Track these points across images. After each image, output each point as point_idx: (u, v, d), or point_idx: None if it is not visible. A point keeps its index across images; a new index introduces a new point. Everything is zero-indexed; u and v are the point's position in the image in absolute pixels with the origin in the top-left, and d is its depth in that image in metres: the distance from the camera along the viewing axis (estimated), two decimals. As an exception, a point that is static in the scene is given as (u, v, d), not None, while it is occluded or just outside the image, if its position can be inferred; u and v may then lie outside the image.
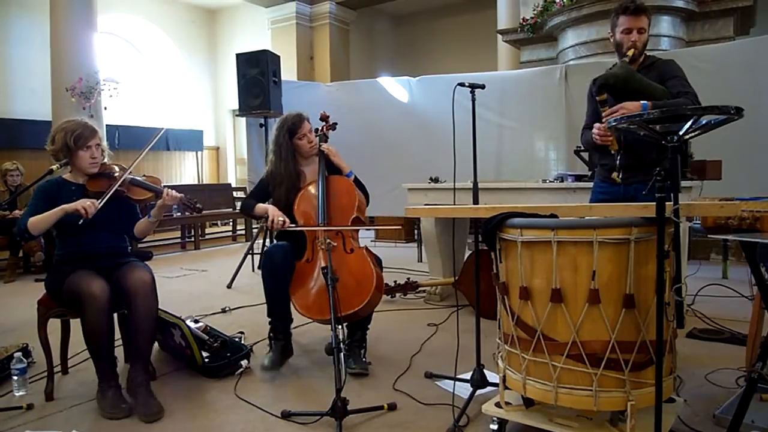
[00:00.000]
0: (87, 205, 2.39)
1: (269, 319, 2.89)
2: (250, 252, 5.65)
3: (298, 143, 2.99)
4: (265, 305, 2.89)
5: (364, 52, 12.30)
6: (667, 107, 2.21)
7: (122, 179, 2.61)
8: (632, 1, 2.53)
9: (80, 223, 2.40)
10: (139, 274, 2.48)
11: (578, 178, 3.79)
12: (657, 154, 2.46)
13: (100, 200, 2.45)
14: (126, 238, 2.79)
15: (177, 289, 5.08)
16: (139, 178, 2.72)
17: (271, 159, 3.05)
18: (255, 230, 6.87)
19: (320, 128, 3.10)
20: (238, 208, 3.09)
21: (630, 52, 2.51)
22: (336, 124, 3.17)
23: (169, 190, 2.66)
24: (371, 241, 7.86)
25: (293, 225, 2.84)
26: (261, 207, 2.96)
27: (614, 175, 2.57)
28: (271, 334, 2.91)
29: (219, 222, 10.30)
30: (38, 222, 2.44)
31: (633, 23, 2.52)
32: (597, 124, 2.51)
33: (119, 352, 2.62)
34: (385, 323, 3.67)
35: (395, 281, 4.36)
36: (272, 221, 2.81)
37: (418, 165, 5.40)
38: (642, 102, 2.33)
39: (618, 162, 2.56)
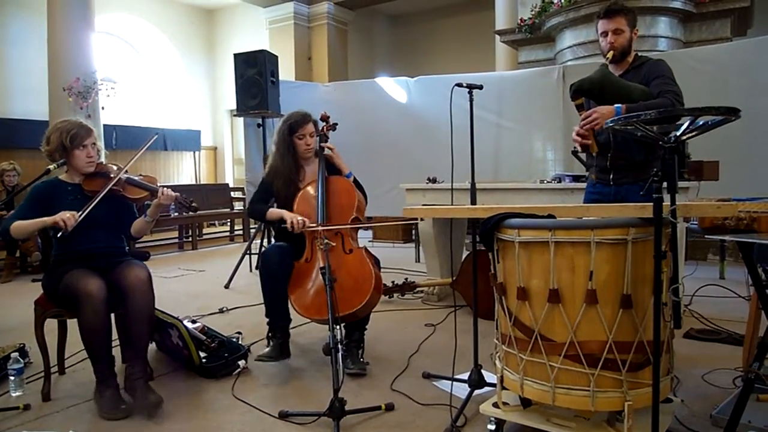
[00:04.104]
0: (66, 217, 2.36)
1: (267, 320, 2.89)
2: (248, 252, 5.65)
3: (296, 142, 3.00)
4: (263, 305, 2.89)
5: (362, 52, 12.30)
6: (645, 108, 2.23)
7: (117, 178, 2.61)
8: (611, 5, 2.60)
9: (59, 235, 2.40)
10: (135, 272, 2.48)
11: (576, 178, 3.80)
12: (646, 155, 2.48)
13: (81, 212, 2.43)
14: (123, 238, 2.79)
15: (174, 290, 5.07)
16: (135, 177, 2.71)
17: (272, 151, 3.08)
18: (252, 230, 6.86)
19: (321, 128, 3.10)
20: (248, 214, 3.08)
21: (609, 55, 2.58)
22: (336, 124, 3.17)
23: (165, 189, 2.66)
24: (369, 241, 7.86)
25: (313, 225, 2.81)
26: (275, 212, 2.94)
27: (593, 177, 2.65)
28: (269, 333, 2.91)
29: (216, 222, 10.30)
30: (21, 228, 2.46)
31: (607, 26, 2.57)
32: (575, 128, 2.55)
33: (116, 353, 2.61)
34: (382, 323, 3.67)
35: (393, 281, 4.36)
36: (292, 224, 2.79)
37: (416, 165, 5.40)
38: (616, 106, 2.37)
39: (604, 164, 2.61)
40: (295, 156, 3.03)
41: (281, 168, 2.99)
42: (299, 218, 2.80)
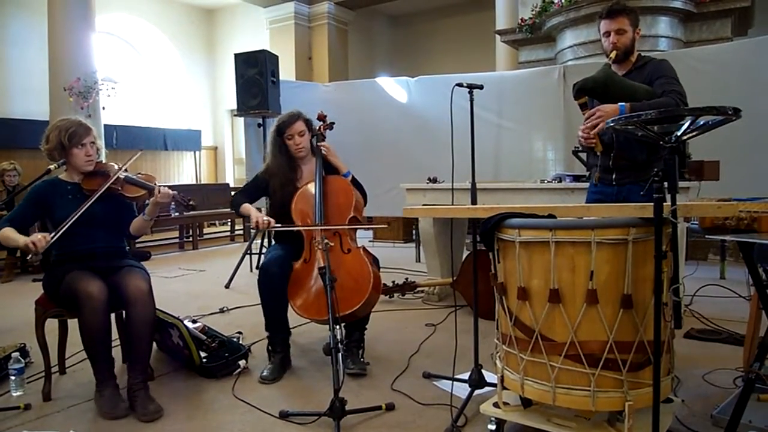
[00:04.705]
0: (37, 239, 2.33)
1: (267, 333, 2.88)
2: (248, 252, 5.66)
3: (287, 142, 3.00)
4: (263, 311, 2.87)
5: (363, 52, 12.30)
6: (649, 107, 2.22)
7: (115, 177, 2.61)
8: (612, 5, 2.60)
9: (28, 257, 2.40)
10: (135, 283, 2.46)
11: (576, 178, 3.80)
12: (648, 155, 2.48)
13: (54, 233, 2.40)
14: (123, 237, 2.79)
15: (175, 289, 5.08)
16: (133, 176, 2.71)
17: (267, 152, 3.09)
18: (253, 230, 6.85)
19: (318, 128, 3.10)
20: (230, 203, 3.07)
21: (612, 54, 2.57)
22: (333, 123, 3.17)
23: (162, 187, 2.65)
24: (369, 241, 7.86)
25: (279, 225, 2.82)
26: (245, 208, 2.95)
27: (595, 176, 2.64)
28: (270, 347, 2.89)
29: (217, 222, 10.30)
30: (4, 238, 2.46)
31: (609, 26, 2.57)
32: (581, 126, 2.55)
33: (116, 352, 2.61)
34: (383, 323, 3.67)
35: (393, 281, 4.36)
36: (257, 223, 2.80)
37: (417, 165, 5.40)
38: (620, 104, 2.37)
39: (607, 163, 2.59)
40: (289, 156, 3.03)
41: (276, 169, 3.00)
42: (264, 218, 2.79)
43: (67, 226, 2.43)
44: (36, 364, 2.92)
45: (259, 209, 3.16)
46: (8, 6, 8.61)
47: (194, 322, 3.21)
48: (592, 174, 2.81)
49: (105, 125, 7.63)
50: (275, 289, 2.76)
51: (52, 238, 2.39)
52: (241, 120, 7.60)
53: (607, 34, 2.58)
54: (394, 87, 6.28)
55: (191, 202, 2.74)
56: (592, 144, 2.52)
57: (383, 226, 2.69)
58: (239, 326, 3.61)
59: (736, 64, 4.67)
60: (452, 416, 2.21)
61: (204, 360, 2.79)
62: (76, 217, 2.46)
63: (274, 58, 5.56)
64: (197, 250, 8.00)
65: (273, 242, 3.17)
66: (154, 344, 3.09)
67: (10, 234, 2.46)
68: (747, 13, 7.03)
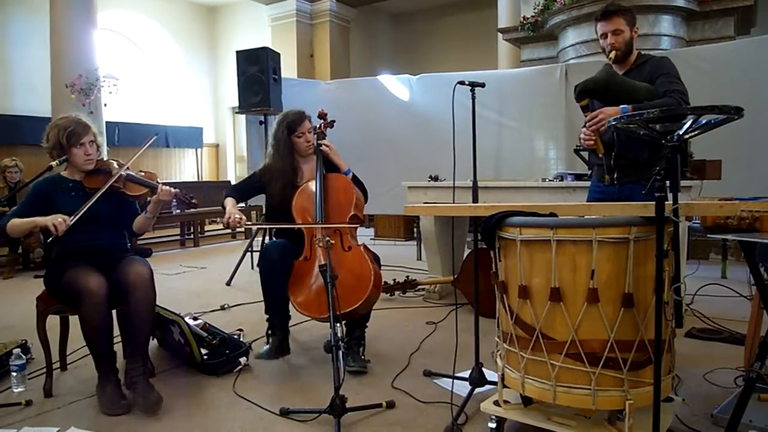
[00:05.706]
0: (58, 222, 2.36)
1: (267, 317, 2.89)
2: (250, 249, 5.65)
3: (296, 141, 3.00)
4: (263, 303, 2.88)
5: (365, 50, 12.29)
6: (652, 108, 2.22)
7: (117, 175, 2.61)
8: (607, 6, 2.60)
9: (49, 240, 2.41)
10: (137, 268, 2.47)
11: (578, 177, 3.79)
12: (650, 154, 2.48)
13: (73, 216, 2.42)
14: (126, 234, 2.79)
15: (176, 287, 5.08)
16: (134, 174, 2.71)
17: (270, 153, 3.07)
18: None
19: (318, 126, 3.10)
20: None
21: (612, 55, 2.58)
22: (334, 121, 3.17)
23: (164, 185, 2.65)
24: (370, 239, 7.86)
25: (250, 222, 2.83)
26: (226, 202, 2.94)
27: (606, 177, 2.63)
28: (269, 332, 2.90)
29: (218, 219, 10.27)
30: (16, 226, 2.46)
31: (606, 27, 2.57)
32: (583, 129, 2.55)
33: (118, 349, 2.62)
34: (383, 321, 3.67)
35: (394, 279, 4.36)
36: (228, 219, 2.80)
37: (418, 163, 5.39)
38: (622, 106, 2.36)
39: (609, 163, 2.59)
40: (293, 155, 3.03)
41: (280, 169, 2.99)
42: (236, 215, 2.80)
43: (77, 217, 2.44)
44: (37, 361, 2.93)
45: (260, 207, 3.17)
46: (10, 4, 8.61)
47: (195, 319, 3.21)
48: (593, 173, 2.81)
49: (107, 122, 7.63)
50: (275, 271, 2.78)
51: (72, 220, 2.40)
52: (242, 117, 7.59)
53: (604, 35, 2.58)
54: (396, 85, 6.27)
55: (193, 200, 2.75)
56: (593, 145, 2.52)
57: (336, 225, 2.71)
58: (240, 323, 3.62)
59: (738, 63, 4.67)
60: (453, 414, 2.21)
61: (205, 357, 2.80)
62: (85, 209, 2.47)
63: (275, 56, 5.56)
64: (198, 248, 8.01)
65: (274, 239, 3.17)
66: (156, 341, 3.10)
67: (19, 220, 2.46)
68: (750, 12, 7.01)
